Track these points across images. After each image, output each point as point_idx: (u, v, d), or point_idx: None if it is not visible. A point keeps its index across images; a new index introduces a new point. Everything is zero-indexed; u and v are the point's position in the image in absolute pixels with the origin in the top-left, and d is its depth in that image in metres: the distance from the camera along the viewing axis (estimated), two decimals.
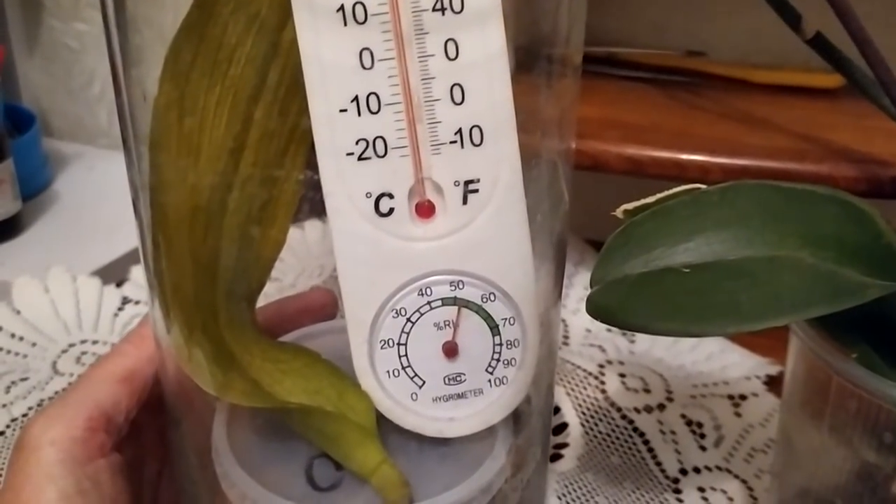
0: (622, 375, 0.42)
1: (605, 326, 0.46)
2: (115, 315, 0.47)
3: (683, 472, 0.37)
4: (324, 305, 0.30)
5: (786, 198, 0.24)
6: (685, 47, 0.48)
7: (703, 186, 0.25)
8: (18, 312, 0.46)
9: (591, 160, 0.38)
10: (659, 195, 0.26)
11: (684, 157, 0.37)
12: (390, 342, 0.24)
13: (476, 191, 0.22)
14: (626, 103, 0.44)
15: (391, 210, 0.22)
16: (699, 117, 0.42)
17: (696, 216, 0.24)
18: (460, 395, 0.24)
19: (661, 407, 0.40)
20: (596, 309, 0.23)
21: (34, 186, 0.64)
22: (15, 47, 0.75)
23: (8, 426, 0.38)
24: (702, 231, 0.23)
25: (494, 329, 0.24)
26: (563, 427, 0.39)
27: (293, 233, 0.25)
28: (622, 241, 0.24)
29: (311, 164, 0.23)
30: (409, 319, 0.24)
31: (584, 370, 0.42)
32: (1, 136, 0.57)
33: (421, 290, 0.23)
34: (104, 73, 0.74)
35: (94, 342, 0.44)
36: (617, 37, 0.50)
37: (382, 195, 0.22)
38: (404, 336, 0.24)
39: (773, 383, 0.41)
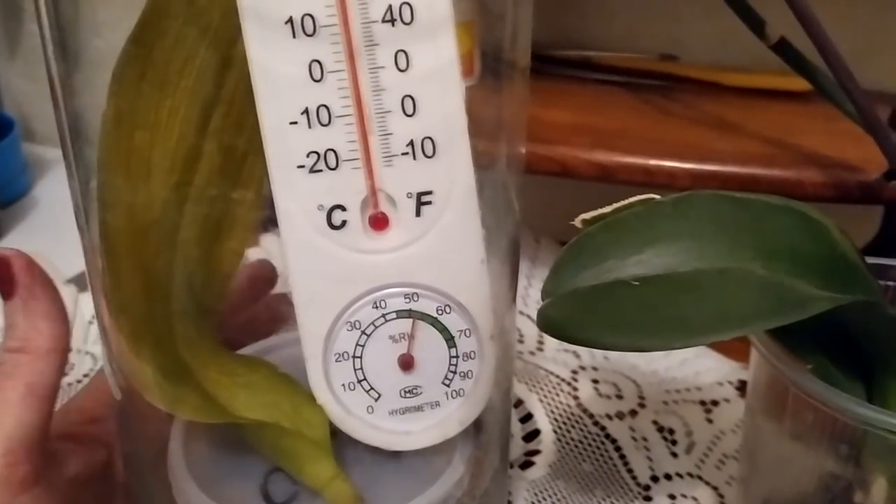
0: (595, 381, 0.42)
1: None
2: (90, 322, 0.46)
3: (655, 479, 0.37)
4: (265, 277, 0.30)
5: (739, 208, 0.24)
6: (658, 51, 0.48)
7: (658, 197, 0.25)
8: None
9: (560, 166, 0.38)
10: (615, 205, 0.25)
11: (653, 162, 0.37)
12: (345, 355, 0.24)
13: (429, 202, 0.22)
14: (599, 107, 0.44)
15: (344, 222, 0.22)
16: (670, 122, 0.42)
17: (649, 227, 0.24)
18: (417, 408, 0.24)
19: (633, 413, 0.40)
20: (546, 323, 0.23)
21: (13, 192, 0.64)
22: None
23: None
24: (654, 243, 0.23)
25: (450, 341, 0.24)
26: (535, 434, 0.39)
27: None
28: (574, 254, 0.24)
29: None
30: (363, 332, 0.23)
31: (558, 376, 0.42)
32: None
33: (375, 302, 0.23)
34: None
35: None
36: (591, 40, 0.50)
37: (335, 207, 0.22)
38: (359, 349, 0.24)
39: (745, 389, 0.41)
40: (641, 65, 0.48)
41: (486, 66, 0.24)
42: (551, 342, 0.45)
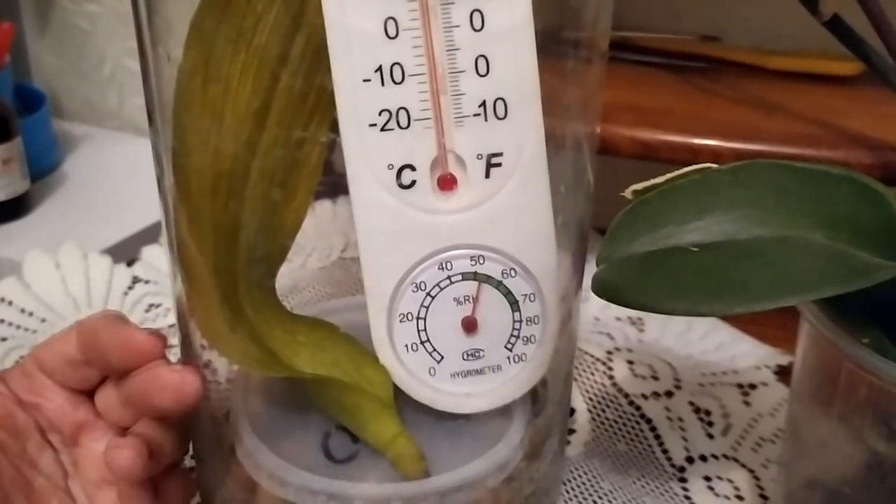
0: (630, 362, 0.41)
1: (613, 314, 0.45)
2: (125, 294, 0.47)
3: (690, 459, 0.36)
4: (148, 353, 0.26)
5: (799, 178, 0.23)
6: (701, 32, 0.48)
7: (715, 166, 0.24)
8: (29, 287, 0.46)
9: (602, 143, 0.38)
10: (669, 175, 0.25)
11: (697, 141, 0.37)
12: (409, 316, 0.23)
13: (499, 164, 0.22)
14: (640, 88, 0.43)
15: (413, 182, 0.22)
16: (713, 102, 0.41)
17: (707, 195, 0.23)
18: (479, 371, 0.24)
19: (669, 394, 0.39)
20: (603, 287, 0.23)
21: (43, 166, 0.64)
22: (26, 28, 0.75)
23: None
24: (712, 210, 0.23)
25: (514, 305, 0.24)
26: (570, 413, 0.39)
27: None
28: (630, 220, 0.23)
29: (333, 133, 0.23)
30: (428, 293, 0.23)
31: (592, 356, 0.42)
32: (10, 114, 0.57)
33: (441, 264, 0.23)
34: (115, 55, 0.74)
35: None
36: (633, 22, 0.50)
37: (405, 167, 0.22)
38: (424, 310, 0.23)
39: (784, 373, 0.41)
40: (683, 47, 0.47)
41: (561, 45, 0.24)
42: (585, 324, 0.44)
